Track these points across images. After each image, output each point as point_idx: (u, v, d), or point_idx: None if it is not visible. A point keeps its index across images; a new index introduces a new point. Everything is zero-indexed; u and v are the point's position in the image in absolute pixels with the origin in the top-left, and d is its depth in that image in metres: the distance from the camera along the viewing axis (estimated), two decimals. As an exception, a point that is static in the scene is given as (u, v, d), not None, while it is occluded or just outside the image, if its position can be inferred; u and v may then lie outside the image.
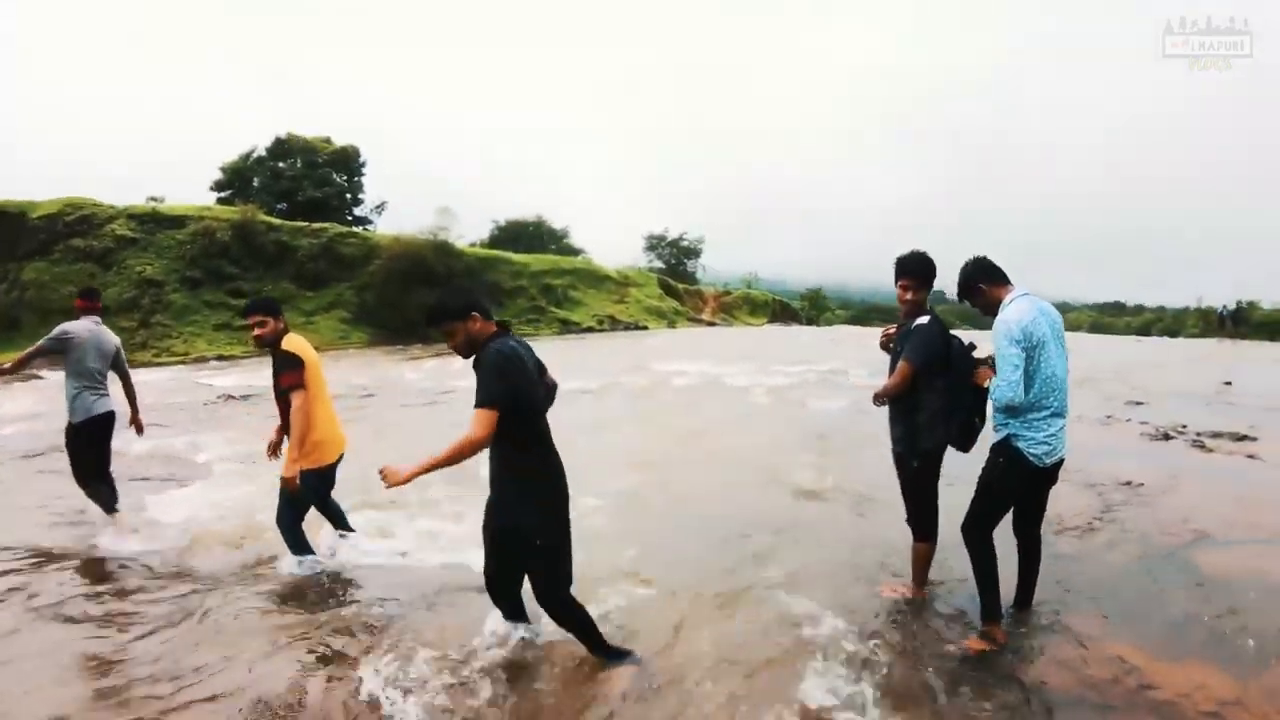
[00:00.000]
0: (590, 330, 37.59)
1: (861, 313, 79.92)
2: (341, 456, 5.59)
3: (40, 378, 19.89)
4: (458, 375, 18.05)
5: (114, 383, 6.95)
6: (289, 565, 5.65)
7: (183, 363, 26.39)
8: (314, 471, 5.34)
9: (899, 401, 4.56)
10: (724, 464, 8.72)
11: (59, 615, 5.06)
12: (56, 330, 6.60)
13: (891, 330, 4.79)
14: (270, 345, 5.24)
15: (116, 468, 7.28)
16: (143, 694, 4.02)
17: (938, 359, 4.38)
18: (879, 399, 4.59)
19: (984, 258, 4.36)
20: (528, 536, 3.81)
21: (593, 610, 4.26)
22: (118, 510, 6.93)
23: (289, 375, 5.13)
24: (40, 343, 6.54)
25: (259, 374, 20.16)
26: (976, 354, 4.35)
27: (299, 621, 4.83)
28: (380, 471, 3.61)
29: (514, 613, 4.34)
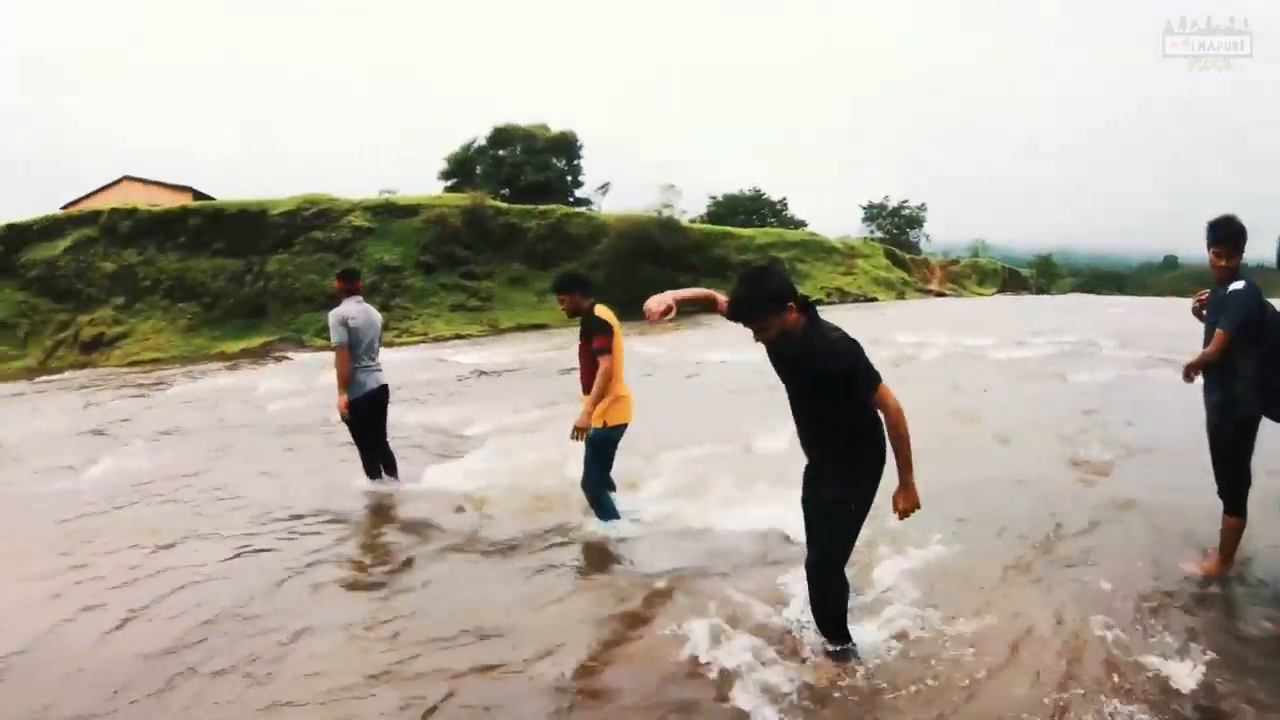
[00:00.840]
0: (819, 303, 34.70)
1: (1091, 280, 74.41)
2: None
3: (289, 358, 20.92)
4: (699, 348, 17.67)
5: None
6: (595, 526, 5.79)
7: (423, 342, 27.03)
8: (616, 427, 5.60)
9: (1215, 369, 4.41)
10: (1000, 437, 8.21)
11: (354, 580, 5.24)
12: (334, 322, 6.77)
13: (1204, 296, 4.65)
14: (582, 314, 5.61)
15: (394, 439, 7.62)
16: (449, 655, 4.03)
17: (1254, 325, 4.26)
18: (1192, 371, 4.45)
19: None
20: (857, 505, 3.62)
21: (886, 578, 4.47)
22: (395, 478, 7.20)
23: (601, 338, 5.44)
24: (341, 342, 6.71)
25: (499, 351, 20.83)
26: None
27: (606, 584, 4.91)
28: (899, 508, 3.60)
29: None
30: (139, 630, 4.50)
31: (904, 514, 3.57)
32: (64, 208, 36.35)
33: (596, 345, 5.46)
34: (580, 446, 5.63)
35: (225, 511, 6.83)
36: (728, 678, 3.60)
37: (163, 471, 8.43)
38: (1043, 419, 8.86)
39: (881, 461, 3.62)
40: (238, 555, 5.67)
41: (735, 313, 3.48)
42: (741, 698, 3.45)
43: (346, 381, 6.72)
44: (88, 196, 38.25)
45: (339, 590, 5.06)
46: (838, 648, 3.74)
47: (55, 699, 3.76)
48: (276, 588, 5.01)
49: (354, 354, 6.75)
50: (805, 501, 3.81)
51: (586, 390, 5.59)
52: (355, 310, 6.84)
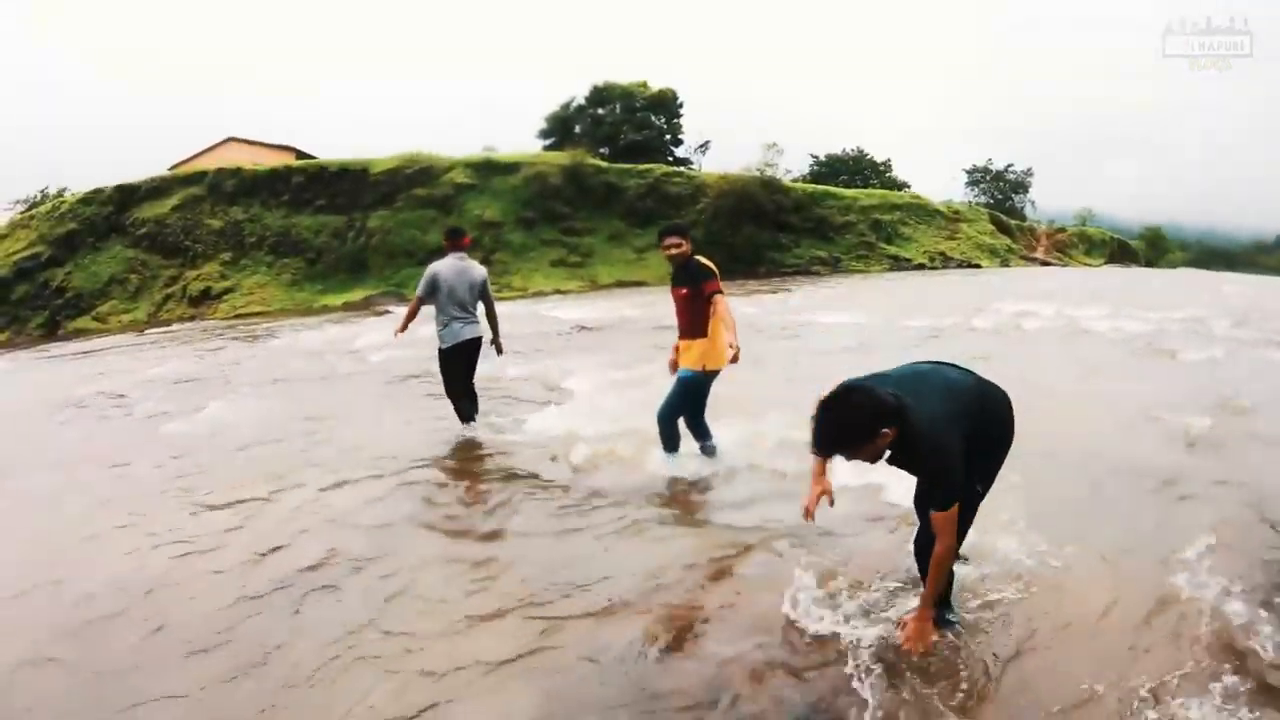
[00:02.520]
0: (921, 267, 35.06)
1: (1201, 255, 70.84)
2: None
3: (390, 312, 21.34)
4: (799, 311, 17.67)
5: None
6: (659, 461, 6.03)
7: (523, 296, 27.22)
8: (714, 372, 5.76)
9: None
10: (1113, 415, 7.57)
11: (454, 525, 5.29)
12: (426, 275, 7.21)
13: None
14: (687, 261, 5.75)
15: (496, 390, 8.78)
16: (548, 600, 4.05)
17: None
18: None
19: None
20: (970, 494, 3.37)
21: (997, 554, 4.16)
22: (474, 421, 7.53)
23: (713, 282, 5.64)
24: (418, 293, 7.25)
25: (598, 307, 20.94)
26: None
27: (697, 537, 4.83)
28: None
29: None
30: (253, 566, 4.63)
31: (909, 649, 3.30)
32: (171, 169, 37.31)
33: (712, 289, 5.63)
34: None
35: (333, 456, 6.91)
36: (823, 641, 3.48)
37: (272, 417, 8.58)
38: (1151, 393, 8.30)
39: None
40: (345, 496, 5.77)
41: (820, 450, 3.23)
42: (839, 660, 3.33)
43: (412, 317, 7.38)
44: (194, 158, 39.16)
45: (441, 535, 5.09)
46: (939, 617, 3.51)
47: (171, 622, 3.98)
48: (382, 529, 5.09)
49: (441, 305, 7.17)
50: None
51: (684, 335, 5.85)
52: (445, 265, 7.21)
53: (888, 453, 3.15)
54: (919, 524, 3.51)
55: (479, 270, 7.42)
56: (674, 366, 6.01)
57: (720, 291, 5.63)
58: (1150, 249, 59.73)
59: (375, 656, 3.57)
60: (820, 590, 3.82)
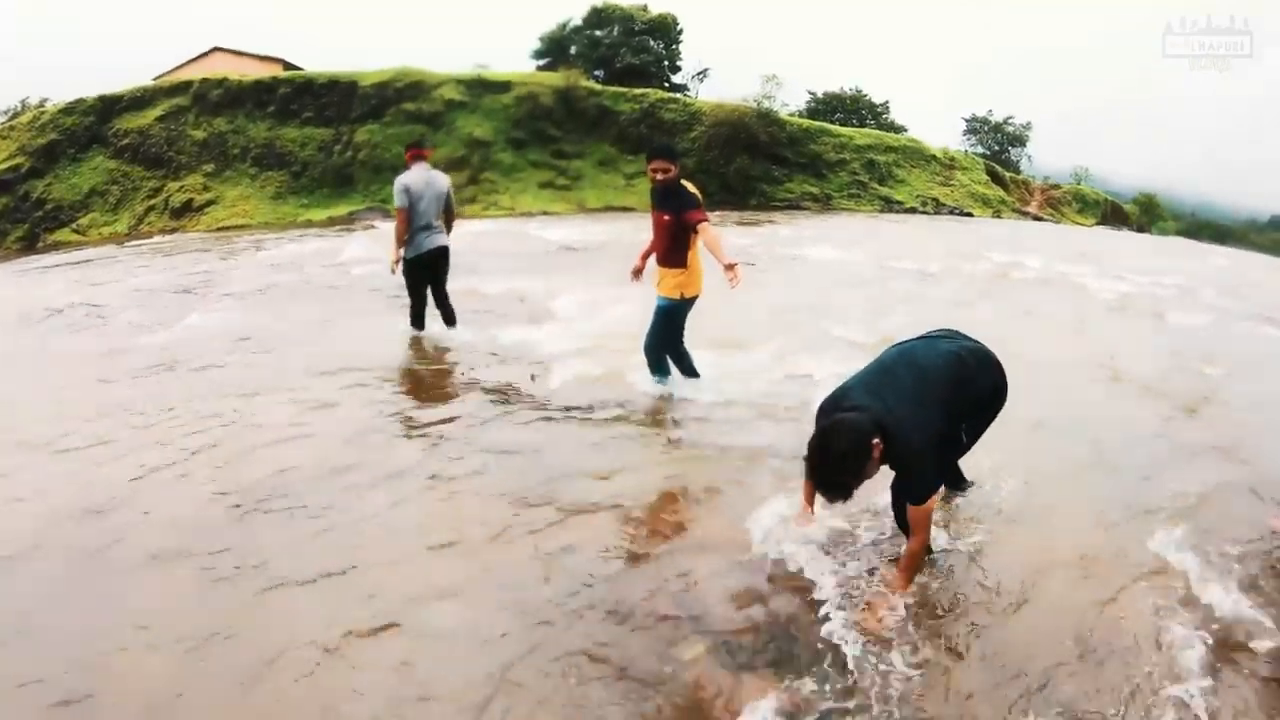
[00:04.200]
0: (913, 211, 34.69)
1: (1193, 226, 70.67)
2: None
3: (375, 227, 21.39)
4: (789, 244, 17.73)
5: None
6: (644, 383, 6.09)
7: (510, 215, 26.98)
8: (691, 300, 5.77)
9: None
10: (1099, 374, 7.62)
11: (425, 436, 5.27)
12: (398, 189, 7.23)
13: None
14: (670, 184, 5.56)
15: (478, 306, 9.11)
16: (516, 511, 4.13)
17: None
18: None
19: None
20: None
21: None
22: (453, 329, 7.90)
23: (698, 211, 5.47)
24: (399, 204, 7.23)
25: (585, 229, 20.75)
26: None
27: (678, 457, 4.90)
28: None
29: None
30: (216, 480, 4.53)
31: (871, 630, 3.20)
32: (155, 79, 36.23)
33: (697, 217, 5.47)
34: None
35: (310, 367, 6.89)
36: (795, 577, 3.52)
37: (250, 328, 8.52)
38: (1136, 353, 8.37)
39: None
40: (318, 410, 5.77)
41: (838, 493, 3.11)
42: (805, 590, 3.42)
43: (403, 241, 7.29)
44: (179, 68, 37.99)
45: (413, 445, 5.11)
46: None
47: (130, 538, 3.88)
48: (351, 442, 5.08)
49: (412, 217, 7.24)
50: None
51: (663, 262, 5.75)
52: (414, 177, 7.27)
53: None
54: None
55: (443, 180, 7.50)
56: (636, 274, 6.11)
57: (706, 219, 5.48)
58: (1144, 214, 59.36)
59: (338, 574, 3.54)
60: (790, 516, 3.85)
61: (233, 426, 5.39)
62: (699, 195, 5.62)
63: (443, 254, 7.54)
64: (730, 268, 5.03)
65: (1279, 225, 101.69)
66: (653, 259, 5.88)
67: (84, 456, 4.96)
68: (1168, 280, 15.06)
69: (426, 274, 7.58)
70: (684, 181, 5.63)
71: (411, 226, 7.28)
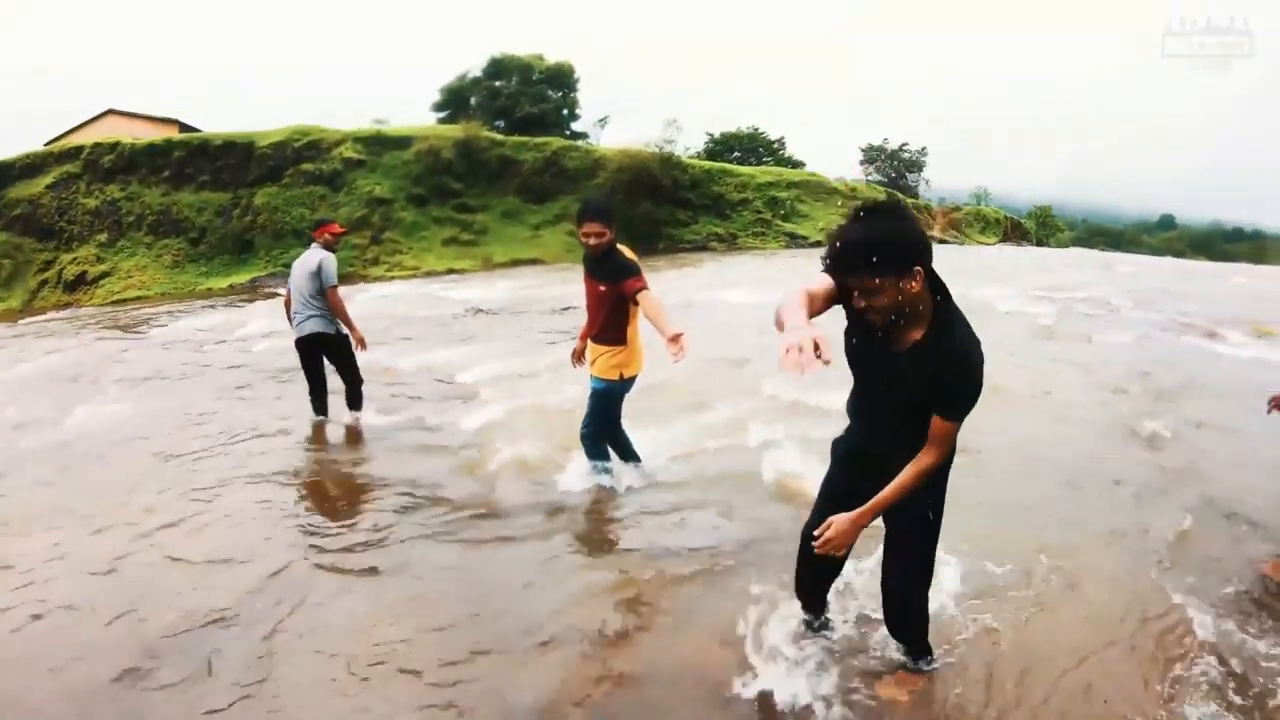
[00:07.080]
0: (818, 244, 35.19)
1: (1085, 234, 73.76)
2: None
3: (279, 295, 20.69)
4: (703, 288, 17.55)
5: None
6: (578, 472, 5.67)
7: (415, 276, 26.68)
8: (631, 380, 5.35)
9: None
10: (1039, 405, 7.65)
11: (349, 559, 4.72)
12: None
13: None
14: (604, 253, 5.09)
15: (388, 384, 8.93)
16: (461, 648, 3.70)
17: None
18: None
19: None
20: (936, 514, 3.02)
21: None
22: (326, 418, 7.64)
23: (638, 280, 4.98)
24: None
25: (494, 286, 20.47)
26: None
27: (629, 566, 4.51)
28: None
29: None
30: (96, 630, 3.99)
31: (826, 540, 2.89)
32: (47, 144, 35.03)
33: (636, 286, 4.96)
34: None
35: (206, 470, 6.39)
36: (783, 695, 3.22)
37: (140, 422, 8.03)
38: (1074, 381, 8.52)
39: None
40: (217, 527, 5.23)
41: (836, 263, 2.61)
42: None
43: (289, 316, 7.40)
44: (71, 132, 36.98)
45: (333, 574, 4.53)
46: (923, 664, 3.33)
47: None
48: (261, 571, 4.50)
49: (290, 297, 7.37)
50: (850, 499, 2.95)
51: (599, 339, 5.30)
52: (300, 257, 7.41)
53: (893, 317, 2.64)
54: (887, 561, 3.17)
55: (314, 258, 7.21)
56: (578, 357, 5.56)
57: (646, 288, 4.94)
58: (1040, 228, 61.58)
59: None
60: (771, 632, 3.55)
61: (89, 553, 4.79)
62: (636, 261, 5.14)
63: (316, 339, 7.27)
64: (675, 339, 4.46)
65: (1169, 225, 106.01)
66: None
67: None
68: (1081, 295, 15.52)
69: (307, 358, 7.42)
70: (619, 246, 5.16)
71: (290, 308, 7.35)
